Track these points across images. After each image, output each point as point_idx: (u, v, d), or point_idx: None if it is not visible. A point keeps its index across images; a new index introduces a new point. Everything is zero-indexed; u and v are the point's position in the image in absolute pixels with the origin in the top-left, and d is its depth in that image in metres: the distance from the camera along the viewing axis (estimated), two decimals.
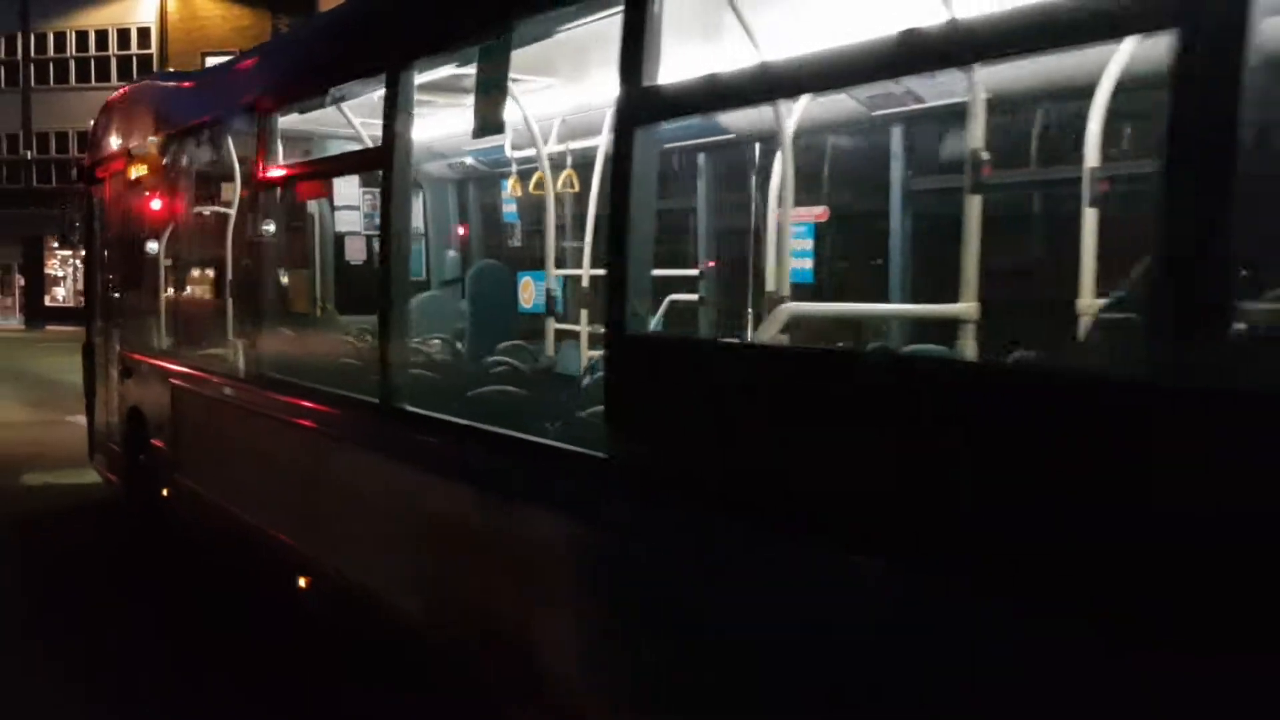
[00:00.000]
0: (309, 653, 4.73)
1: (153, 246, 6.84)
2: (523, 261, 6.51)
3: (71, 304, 32.81)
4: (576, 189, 5.92)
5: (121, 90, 8.41)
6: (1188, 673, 1.68)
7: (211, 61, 34.43)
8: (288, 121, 5.30)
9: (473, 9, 3.75)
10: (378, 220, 4.63)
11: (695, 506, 2.60)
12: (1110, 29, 2.09)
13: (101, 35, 34.97)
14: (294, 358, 5.32)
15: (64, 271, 36.09)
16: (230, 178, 5.74)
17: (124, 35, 34.84)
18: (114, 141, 7.67)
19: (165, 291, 6.83)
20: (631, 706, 2.88)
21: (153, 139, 6.64)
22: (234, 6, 34.10)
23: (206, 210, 6.60)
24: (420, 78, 4.05)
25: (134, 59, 34.82)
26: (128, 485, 7.11)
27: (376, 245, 5.13)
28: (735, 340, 5.00)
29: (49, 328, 33.09)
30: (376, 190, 5.25)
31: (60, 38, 35.17)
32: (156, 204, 6.73)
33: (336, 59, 4.82)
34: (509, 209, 7.08)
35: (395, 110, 3.92)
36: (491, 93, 3.58)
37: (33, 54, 34.38)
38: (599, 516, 2.93)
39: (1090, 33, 2.06)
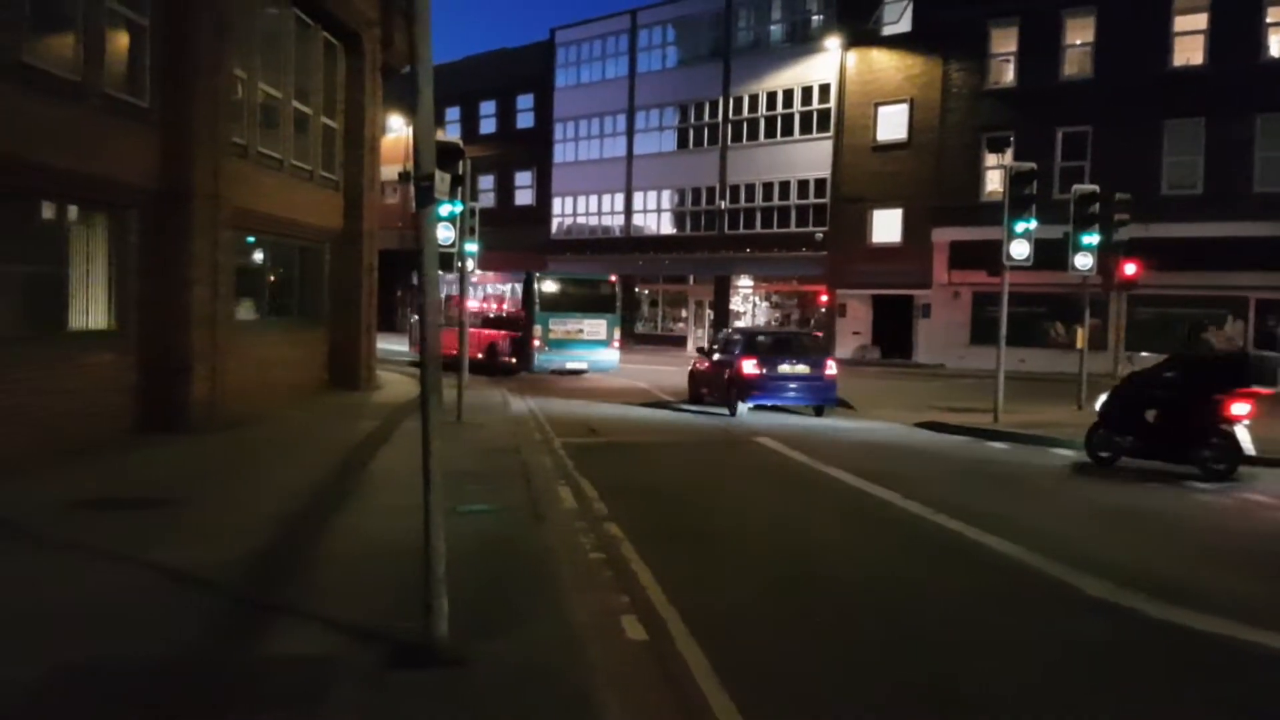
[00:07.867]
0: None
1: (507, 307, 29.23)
2: None
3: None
4: None
5: (525, 271, 29.07)
6: None
7: (885, 110, 36.04)
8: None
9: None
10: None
11: None
12: None
13: (787, 94, 38.34)
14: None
15: (744, 307, 39.71)
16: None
17: (807, 93, 37.82)
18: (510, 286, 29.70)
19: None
20: None
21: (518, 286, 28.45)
22: (908, 56, 35.39)
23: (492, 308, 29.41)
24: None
25: (814, 114, 37.61)
26: (489, 364, 27.17)
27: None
28: None
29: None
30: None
31: (753, 99, 39.18)
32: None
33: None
34: None
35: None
36: None
37: (730, 115, 38.56)
38: None
39: None
